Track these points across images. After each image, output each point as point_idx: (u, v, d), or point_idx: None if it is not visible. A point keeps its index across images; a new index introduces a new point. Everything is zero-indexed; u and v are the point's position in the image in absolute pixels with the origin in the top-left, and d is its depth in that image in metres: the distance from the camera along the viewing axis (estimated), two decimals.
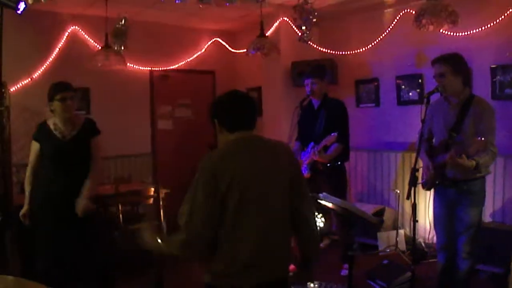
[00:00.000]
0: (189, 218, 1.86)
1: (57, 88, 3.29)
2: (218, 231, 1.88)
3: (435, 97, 3.21)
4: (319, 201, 3.03)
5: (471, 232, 3.13)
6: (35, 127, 3.44)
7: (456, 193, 3.14)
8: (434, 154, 3.23)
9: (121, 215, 4.45)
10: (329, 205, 2.91)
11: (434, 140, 3.34)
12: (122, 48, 4.82)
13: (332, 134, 3.94)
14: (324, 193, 3.12)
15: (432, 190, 3.40)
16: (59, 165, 3.31)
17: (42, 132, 3.38)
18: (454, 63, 3.09)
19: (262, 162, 1.96)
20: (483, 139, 2.74)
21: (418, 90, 5.08)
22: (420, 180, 3.35)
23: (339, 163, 4.23)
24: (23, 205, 3.35)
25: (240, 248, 1.89)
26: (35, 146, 3.38)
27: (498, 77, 4.40)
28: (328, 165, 4.14)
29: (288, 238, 2.05)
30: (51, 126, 3.37)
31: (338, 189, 4.11)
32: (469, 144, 2.84)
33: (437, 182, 3.22)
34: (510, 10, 4.21)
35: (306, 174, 4.13)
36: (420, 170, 4.58)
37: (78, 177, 3.33)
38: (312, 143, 4.16)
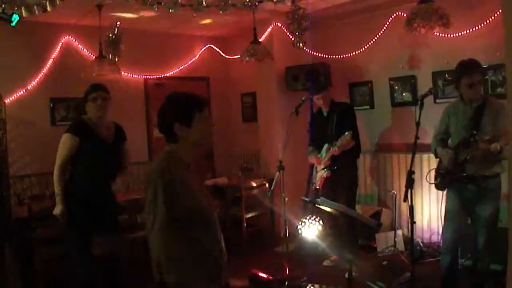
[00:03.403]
0: None
1: (90, 88, 3.32)
2: None
3: (428, 100, 3.31)
4: (317, 205, 3.05)
5: (489, 229, 3.21)
6: (71, 123, 3.39)
7: (475, 191, 3.23)
8: (456, 152, 3.30)
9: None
10: (328, 209, 2.93)
11: (450, 141, 3.43)
12: (116, 57, 4.83)
13: (346, 133, 4.14)
14: (322, 198, 3.14)
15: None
16: (99, 167, 3.28)
17: (82, 129, 3.26)
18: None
19: None
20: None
21: (411, 91, 5.14)
22: (433, 180, 3.46)
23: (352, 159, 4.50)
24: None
25: None
26: (73, 141, 3.20)
27: (490, 76, 4.45)
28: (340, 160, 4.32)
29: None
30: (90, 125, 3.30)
31: (353, 183, 4.56)
32: (496, 137, 2.93)
33: (454, 178, 3.28)
34: (499, 11, 4.26)
35: (326, 173, 4.41)
36: (421, 172, 4.64)
37: (110, 181, 3.44)
38: (326, 145, 4.42)
